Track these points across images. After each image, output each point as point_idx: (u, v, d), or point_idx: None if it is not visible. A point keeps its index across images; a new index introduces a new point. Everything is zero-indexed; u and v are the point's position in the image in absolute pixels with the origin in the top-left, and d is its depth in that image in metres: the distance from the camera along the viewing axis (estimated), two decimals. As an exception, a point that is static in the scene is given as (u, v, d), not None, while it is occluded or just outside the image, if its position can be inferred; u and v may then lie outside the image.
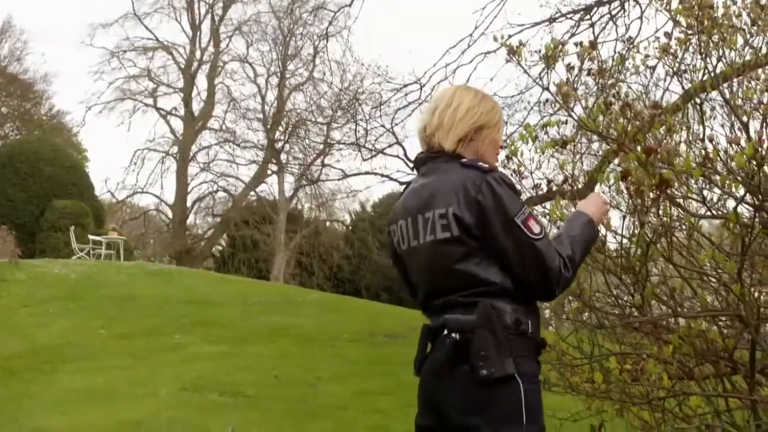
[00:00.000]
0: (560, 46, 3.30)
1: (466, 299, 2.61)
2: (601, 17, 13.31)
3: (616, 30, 13.35)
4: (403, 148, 23.50)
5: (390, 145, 24.02)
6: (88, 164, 35.80)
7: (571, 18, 13.59)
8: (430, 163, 2.80)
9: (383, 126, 21.98)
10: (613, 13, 13.26)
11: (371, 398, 8.97)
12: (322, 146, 34.30)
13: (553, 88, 3.56)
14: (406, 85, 17.14)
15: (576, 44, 3.37)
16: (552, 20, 12.29)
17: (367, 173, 28.24)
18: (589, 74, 3.33)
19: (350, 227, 37.07)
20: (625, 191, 3.10)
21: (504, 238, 2.57)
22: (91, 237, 22.02)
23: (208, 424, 7.42)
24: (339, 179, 31.49)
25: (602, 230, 3.34)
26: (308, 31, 35.33)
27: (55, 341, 11.33)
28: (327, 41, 29.89)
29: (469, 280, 2.62)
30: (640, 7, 12.42)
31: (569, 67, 3.34)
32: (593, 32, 13.36)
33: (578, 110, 3.75)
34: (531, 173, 3.89)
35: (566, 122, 3.89)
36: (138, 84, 37.06)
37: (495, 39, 3.42)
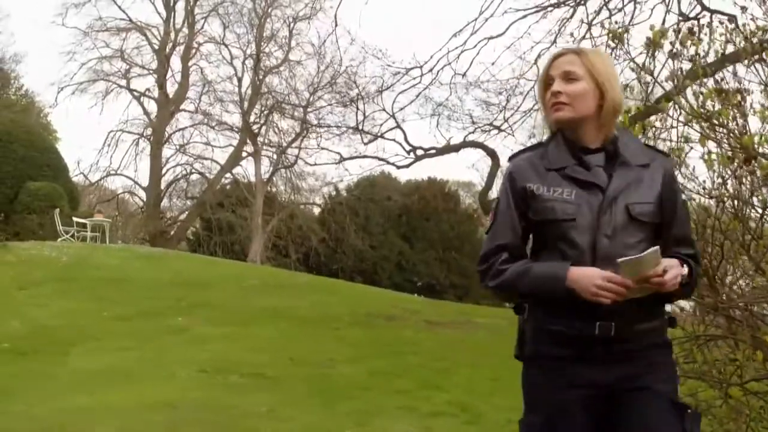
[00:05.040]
0: (665, 34, 3.38)
1: None
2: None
3: (610, 14, 13.50)
4: (403, 132, 23.25)
5: (389, 129, 23.81)
6: (59, 145, 35.35)
7: (566, 4, 13.75)
8: None
9: (384, 110, 21.94)
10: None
11: (388, 379, 9.03)
12: (299, 129, 34.23)
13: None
14: (409, 70, 17.33)
15: (675, 31, 3.45)
16: (558, 4, 12.41)
17: (365, 157, 27.80)
18: (691, 60, 3.42)
19: (325, 211, 36.96)
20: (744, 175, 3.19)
21: None
22: (75, 219, 21.77)
23: (238, 404, 7.45)
24: (336, 162, 31.04)
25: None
26: (284, 14, 35.17)
27: (58, 323, 11.28)
28: (337, 25, 29.58)
29: None
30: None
31: (673, 54, 3.41)
32: (587, 17, 13.54)
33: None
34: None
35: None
36: (111, 65, 36.46)
37: (602, 26, 3.48)
